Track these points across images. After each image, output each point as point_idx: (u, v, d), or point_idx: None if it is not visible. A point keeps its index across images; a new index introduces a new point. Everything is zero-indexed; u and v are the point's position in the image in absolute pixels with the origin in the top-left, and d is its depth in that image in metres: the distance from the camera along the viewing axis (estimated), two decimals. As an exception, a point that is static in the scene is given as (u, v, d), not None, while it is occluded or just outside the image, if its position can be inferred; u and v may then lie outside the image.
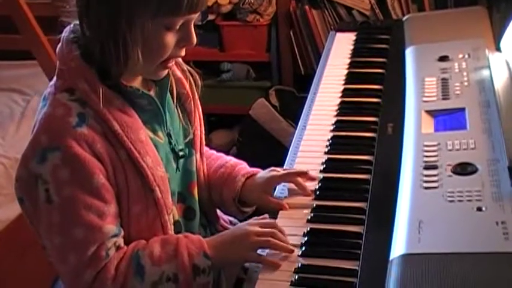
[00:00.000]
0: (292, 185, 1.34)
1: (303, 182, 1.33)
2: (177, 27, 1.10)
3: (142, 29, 1.07)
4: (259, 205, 1.37)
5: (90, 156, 1.09)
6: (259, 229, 1.18)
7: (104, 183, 1.11)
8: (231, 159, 1.41)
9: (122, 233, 1.14)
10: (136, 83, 1.18)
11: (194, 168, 1.31)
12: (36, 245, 1.22)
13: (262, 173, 1.36)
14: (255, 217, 1.23)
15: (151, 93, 1.21)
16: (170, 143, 1.24)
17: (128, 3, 1.05)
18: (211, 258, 1.14)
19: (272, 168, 1.36)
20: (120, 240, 1.14)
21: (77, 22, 1.13)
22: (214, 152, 1.44)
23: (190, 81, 1.30)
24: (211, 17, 2.74)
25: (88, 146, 1.09)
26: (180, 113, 1.29)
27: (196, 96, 1.31)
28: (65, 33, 1.16)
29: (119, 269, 1.11)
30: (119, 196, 1.14)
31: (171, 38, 1.10)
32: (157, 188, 1.16)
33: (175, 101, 1.27)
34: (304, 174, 1.34)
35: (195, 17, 1.12)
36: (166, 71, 1.19)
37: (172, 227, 1.21)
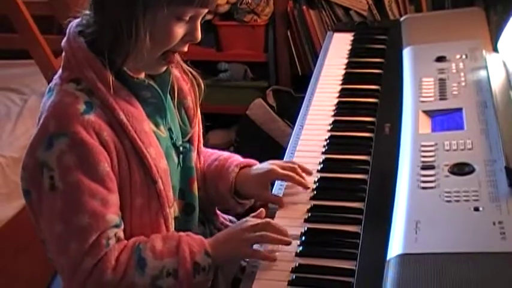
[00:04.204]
0: (289, 183, 1.34)
1: (301, 179, 1.32)
2: (187, 18, 1.12)
3: (156, 14, 1.09)
4: (256, 197, 1.37)
5: (97, 144, 1.10)
6: (254, 223, 1.18)
7: (109, 171, 1.11)
8: (224, 153, 1.41)
9: (123, 225, 1.15)
10: (141, 76, 1.20)
11: (193, 164, 1.32)
12: (32, 245, 1.22)
13: (260, 165, 1.36)
14: (252, 214, 1.23)
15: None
16: (171, 138, 1.26)
17: None
18: (212, 257, 1.14)
19: (271, 161, 1.36)
20: (121, 233, 1.14)
21: (86, 12, 1.15)
22: (209, 149, 1.44)
23: (192, 82, 1.31)
24: (208, 17, 2.74)
25: (95, 133, 1.10)
26: (178, 111, 1.30)
27: (197, 96, 1.32)
28: (71, 27, 1.18)
29: (119, 260, 1.11)
30: (122, 188, 1.14)
31: (179, 29, 1.12)
32: (160, 180, 1.16)
33: (175, 99, 1.28)
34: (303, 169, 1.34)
35: (204, 12, 1.15)
36: (165, 66, 1.20)
37: (173, 221, 1.22)
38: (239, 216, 1.39)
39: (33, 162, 1.12)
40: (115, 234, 1.12)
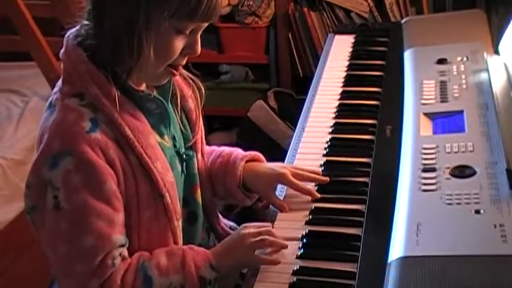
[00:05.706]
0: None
1: (310, 189, 1.32)
2: (187, 32, 1.10)
3: (158, 29, 1.07)
4: (260, 194, 1.37)
5: (104, 163, 1.07)
6: (254, 230, 1.18)
7: (115, 190, 1.09)
8: (225, 148, 1.40)
9: (127, 243, 1.13)
10: (143, 88, 1.18)
11: (196, 171, 1.31)
12: (33, 246, 1.21)
13: (271, 165, 1.36)
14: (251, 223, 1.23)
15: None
16: (175, 146, 1.24)
17: (147, 2, 1.05)
18: (216, 269, 1.14)
19: (284, 165, 1.36)
20: (125, 252, 1.12)
21: (85, 23, 1.12)
22: (207, 147, 1.41)
23: (193, 87, 1.30)
24: (209, 19, 2.74)
25: (101, 152, 1.07)
26: (179, 117, 1.28)
27: (199, 101, 1.31)
28: (68, 37, 1.14)
29: (125, 280, 1.10)
30: (129, 204, 1.12)
31: (179, 43, 1.10)
32: (167, 194, 1.15)
33: (179, 105, 1.27)
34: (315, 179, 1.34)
35: (205, 26, 1.13)
36: (168, 78, 1.18)
37: (181, 233, 1.21)
38: (240, 220, 1.39)
39: (38, 181, 1.09)
40: (120, 254, 1.10)
